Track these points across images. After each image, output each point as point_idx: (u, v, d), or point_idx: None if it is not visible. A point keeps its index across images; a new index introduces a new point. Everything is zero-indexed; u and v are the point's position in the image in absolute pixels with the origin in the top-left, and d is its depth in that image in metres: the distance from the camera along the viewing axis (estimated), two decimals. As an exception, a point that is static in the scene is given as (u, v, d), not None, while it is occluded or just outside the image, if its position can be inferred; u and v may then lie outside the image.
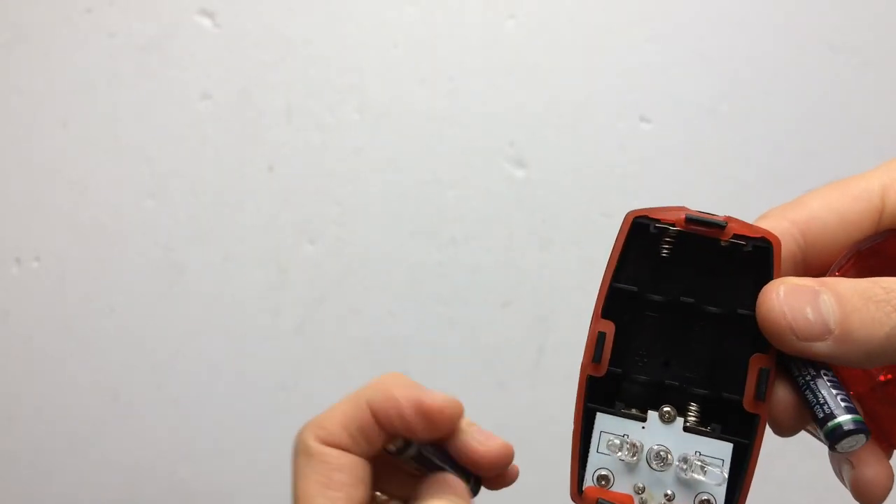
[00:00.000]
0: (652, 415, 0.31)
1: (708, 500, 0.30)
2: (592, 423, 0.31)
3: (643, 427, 0.31)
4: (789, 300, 0.28)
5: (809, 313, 0.27)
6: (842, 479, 0.30)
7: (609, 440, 0.30)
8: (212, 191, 0.86)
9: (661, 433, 0.30)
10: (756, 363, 0.30)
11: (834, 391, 0.28)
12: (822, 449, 0.31)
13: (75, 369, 0.86)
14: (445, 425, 0.34)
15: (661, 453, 0.30)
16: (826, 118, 0.80)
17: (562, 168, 0.83)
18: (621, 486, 0.30)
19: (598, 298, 0.31)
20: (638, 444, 0.30)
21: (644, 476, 0.30)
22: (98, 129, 0.87)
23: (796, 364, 0.29)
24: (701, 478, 0.30)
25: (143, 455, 0.86)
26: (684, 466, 0.30)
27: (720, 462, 0.30)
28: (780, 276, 0.29)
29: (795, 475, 0.78)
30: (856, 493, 0.29)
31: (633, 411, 0.31)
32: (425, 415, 0.33)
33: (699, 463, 0.30)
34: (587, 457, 0.30)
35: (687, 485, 0.30)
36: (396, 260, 0.84)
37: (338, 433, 0.34)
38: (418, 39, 0.85)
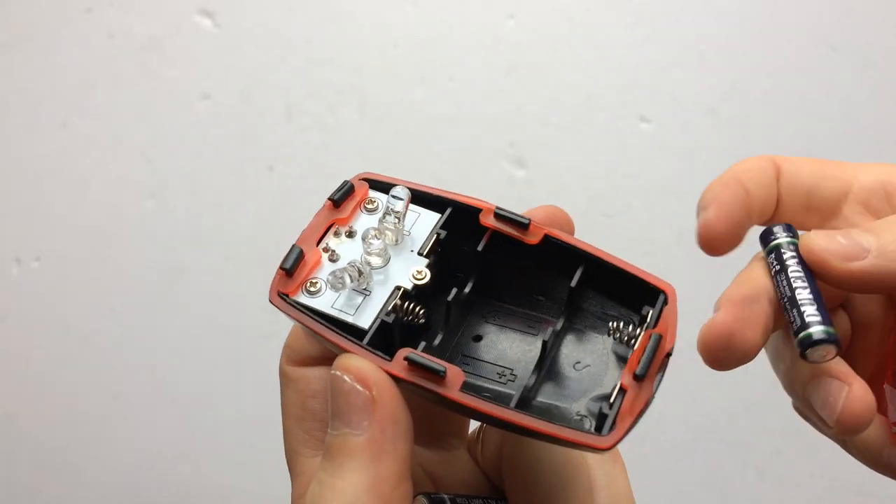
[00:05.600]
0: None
1: None
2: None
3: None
4: (823, 235, 0.29)
5: (842, 239, 0.28)
6: (813, 411, 0.29)
7: None
8: (212, 191, 0.86)
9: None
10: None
11: (812, 303, 0.28)
12: (822, 447, 0.31)
13: (75, 369, 0.86)
14: None
15: None
16: (826, 118, 0.80)
17: (562, 168, 0.83)
18: None
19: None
20: None
21: None
22: (98, 129, 0.87)
23: (781, 279, 0.29)
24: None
25: (143, 455, 0.86)
26: None
27: None
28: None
29: (793, 473, 0.78)
30: (836, 415, 0.28)
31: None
32: None
33: None
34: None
35: None
36: (396, 260, 0.84)
37: (308, 347, 0.30)
38: (418, 39, 0.85)
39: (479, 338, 0.31)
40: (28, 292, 0.87)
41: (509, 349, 0.31)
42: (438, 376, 0.26)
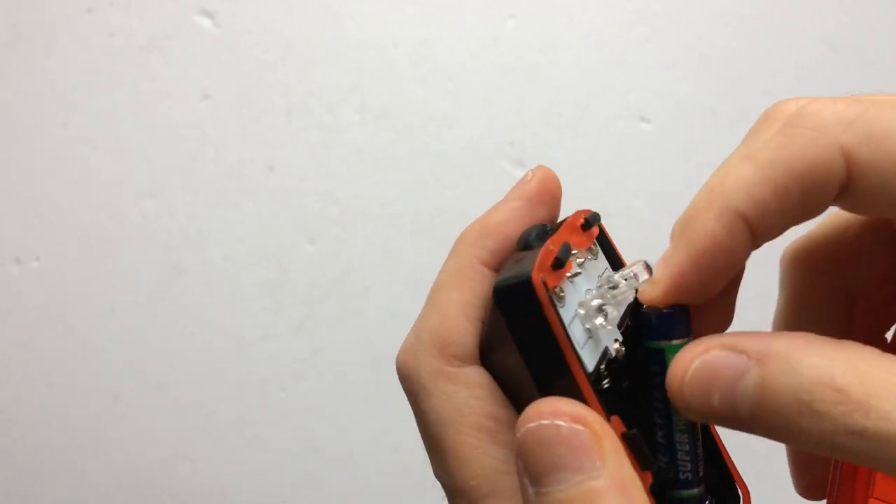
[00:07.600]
0: None
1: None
2: None
3: None
4: (696, 381, 0.22)
5: (716, 400, 0.21)
6: None
7: None
8: (212, 191, 0.86)
9: None
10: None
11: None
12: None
13: (75, 369, 0.86)
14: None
15: None
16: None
17: (562, 168, 0.83)
18: None
19: (587, 395, 0.23)
20: None
21: None
22: (98, 129, 0.87)
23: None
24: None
25: (143, 455, 0.86)
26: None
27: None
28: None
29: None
30: None
31: None
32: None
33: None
34: None
35: None
36: (396, 260, 0.84)
37: (472, 343, 0.26)
38: (418, 39, 0.85)
39: None
40: (28, 292, 0.87)
41: None
42: (643, 468, 0.23)
